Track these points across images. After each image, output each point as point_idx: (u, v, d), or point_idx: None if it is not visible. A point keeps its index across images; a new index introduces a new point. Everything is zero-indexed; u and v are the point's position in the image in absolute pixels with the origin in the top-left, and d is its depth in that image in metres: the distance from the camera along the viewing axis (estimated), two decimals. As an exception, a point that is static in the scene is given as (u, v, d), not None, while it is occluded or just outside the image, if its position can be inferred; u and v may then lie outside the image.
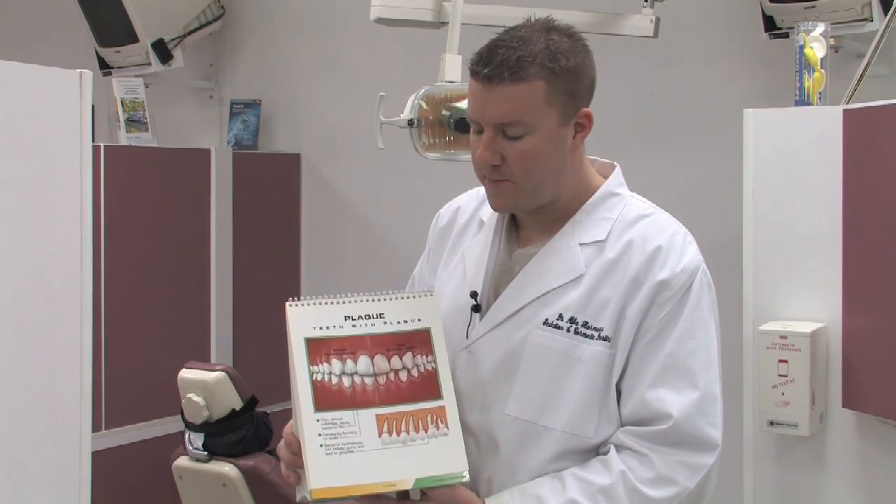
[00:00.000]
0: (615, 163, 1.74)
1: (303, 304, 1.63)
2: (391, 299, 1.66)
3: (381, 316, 1.64)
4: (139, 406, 3.66)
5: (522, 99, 1.55)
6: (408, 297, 1.67)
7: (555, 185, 1.63)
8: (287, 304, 1.63)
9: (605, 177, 1.71)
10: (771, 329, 2.27)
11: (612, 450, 1.58)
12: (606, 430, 1.60)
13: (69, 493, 2.39)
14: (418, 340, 1.63)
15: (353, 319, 1.63)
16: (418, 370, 1.62)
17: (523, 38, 1.58)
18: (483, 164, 1.60)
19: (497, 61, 1.55)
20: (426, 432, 1.58)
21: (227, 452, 3.06)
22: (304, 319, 1.61)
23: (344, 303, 1.64)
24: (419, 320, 1.65)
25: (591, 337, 1.59)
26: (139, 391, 3.65)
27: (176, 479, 3.16)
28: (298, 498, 1.58)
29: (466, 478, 1.57)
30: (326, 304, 1.64)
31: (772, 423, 2.26)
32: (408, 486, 1.53)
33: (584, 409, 1.59)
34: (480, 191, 1.76)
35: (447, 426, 1.59)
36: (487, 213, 1.73)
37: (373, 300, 1.65)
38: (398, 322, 1.64)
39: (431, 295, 1.69)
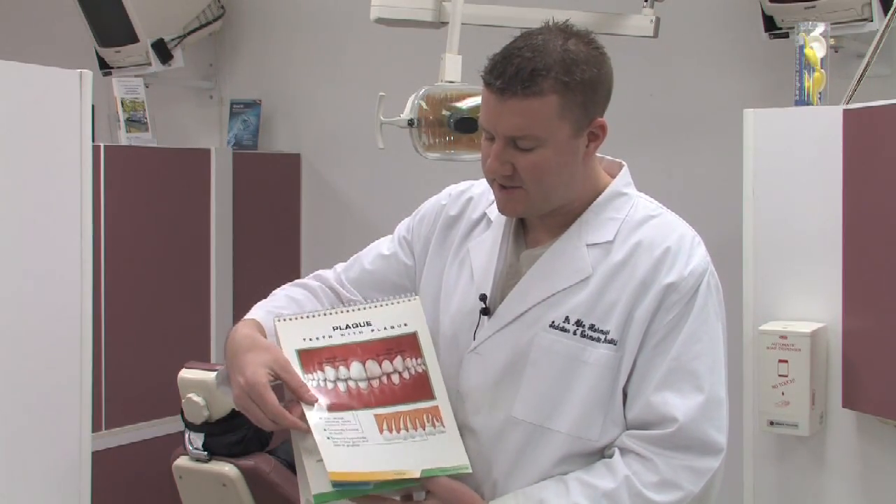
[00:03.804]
0: (622, 161, 1.73)
1: (291, 319, 1.66)
2: (376, 306, 1.68)
3: (367, 324, 1.66)
4: (139, 406, 3.66)
5: (534, 113, 1.53)
6: (392, 304, 1.69)
7: (566, 193, 1.62)
8: (275, 320, 1.65)
9: (613, 175, 1.70)
10: (771, 329, 2.27)
11: (617, 453, 1.58)
12: (612, 433, 1.59)
13: (69, 493, 2.39)
14: (406, 344, 1.66)
15: (340, 329, 1.65)
16: (409, 373, 1.64)
17: (538, 46, 1.54)
18: (493, 173, 1.60)
19: (510, 73, 1.53)
20: (423, 430, 1.59)
21: (227, 452, 3.06)
22: (293, 333, 1.64)
23: (331, 314, 1.67)
24: (405, 325, 1.67)
25: (598, 340, 1.58)
26: (139, 391, 3.65)
27: (176, 479, 3.16)
28: (303, 501, 1.59)
29: (470, 470, 1.58)
30: (314, 316, 1.67)
31: (772, 423, 2.26)
32: (415, 475, 1.53)
33: (590, 412, 1.58)
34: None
35: (443, 425, 1.60)
36: (496, 212, 1.71)
37: (358, 309, 1.68)
38: (385, 328, 1.66)
39: (415, 298, 1.70)
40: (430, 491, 1.56)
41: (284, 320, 1.65)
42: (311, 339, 1.63)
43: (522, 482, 1.60)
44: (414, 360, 1.65)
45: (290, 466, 3.04)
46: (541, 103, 1.53)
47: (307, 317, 1.67)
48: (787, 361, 2.23)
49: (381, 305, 1.69)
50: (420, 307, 1.70)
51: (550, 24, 1.61)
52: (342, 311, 1.68)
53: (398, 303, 1.69)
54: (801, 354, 2.21)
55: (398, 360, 1.64)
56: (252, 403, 1.56)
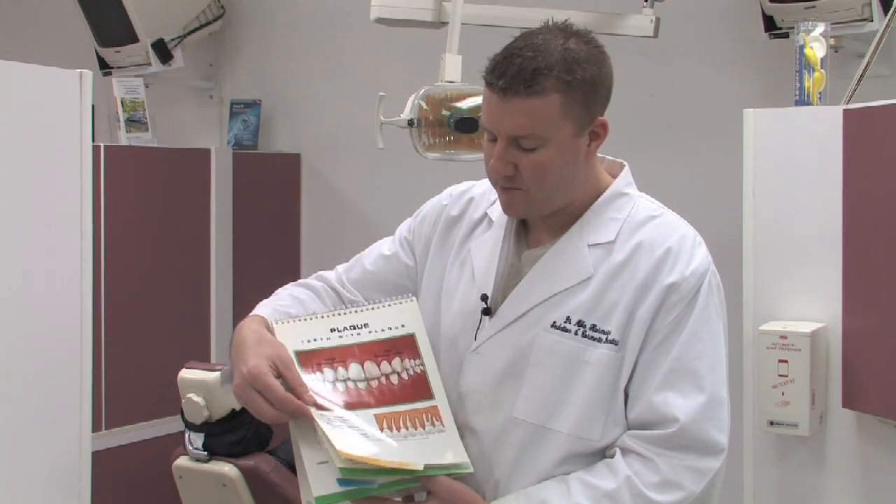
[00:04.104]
0: (624, 161, 1.73)
1: (289, 322, 1.67)
2: (374, 308, 1.69)
3: (365, 326, 1.67)
4: (139, 406, 3.66)
5: (537, 113, 1.53)
6: (389, 305, 1.70)
7: (567, 192, 1.62)
8: (273, 323, 1.66)
9: (614, 175, 1.70)
10: (771, 329, 2.27)
11: (618, 454, 1.58)
12: (613, 433, 1.59)
13: (69, 493, 2.39)
14: (404, 345, 1.66)
15: (338, 331, 1.66)
16: (407, 373, 1.64)
17: (539, 46, 1.55)
18: (496, 174, 1.60)
19: (512, 73, 1.53)
20: (423, 429, 1.59)
21: (227, 452, 3.05)
22: (291, 335, 1.64)
23: (328, 316, 1.68)
24: (402, 326, 1.68)
25: (599, 340, 1.59)
26: (139, 391, 3.65)
27: (176, 479, 3.16)
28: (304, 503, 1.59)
29: (471, 469, 1.58)
30: (312, 319, 1.67)
31: (772, 423, 2.26)
32: (418, 467, 1.53)
33: (591, 413, 1.58)
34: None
35: (442, 424, 1.61)
36: (497, 212, 1.72)
37: (356, 311, 1.69)
38: (382, 330, 1.67)
39: (412, 299, 1.71)
40: (432, 491, 1.56)
41: (282, 323, 1.66)
42: (309, 342, 1.63)
43: (524, 482, 1.60)
44: (412, 360, 1.65)
45: (290, 466, 3.04)
46: (543, 102, 1.53)
47: (305, 319, 1.67)
48: (787, 361, 2.23)
49: (379, 307, 1.69)
50: (417, 308, 1.70)
51: (550, 23, 1.61)
52: (340, 314, 1.68)
53: (395, 304, 1.69)
54: (801, 354, 2.21)
55: (396, 361, 1.64)
56: (254, 393, 1.55)
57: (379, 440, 1.55)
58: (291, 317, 1.68)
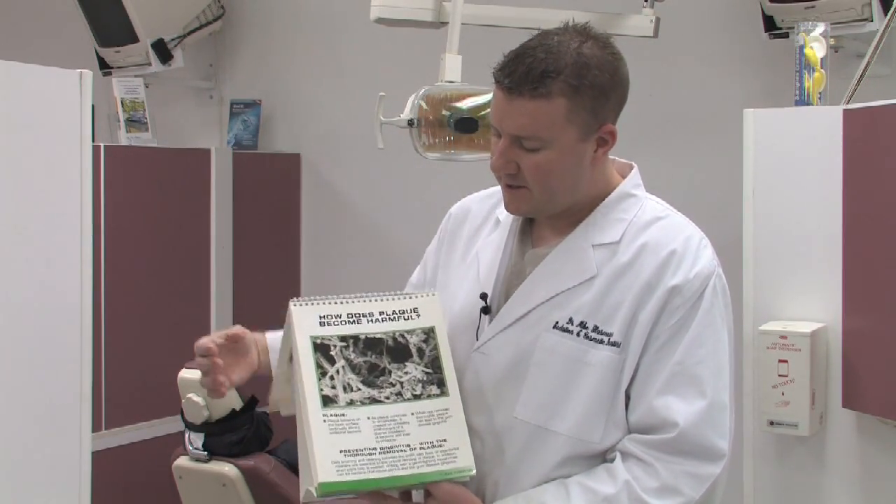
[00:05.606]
0: (633, 163, 1.73)
1: (306, 304, 1.63)
2: (395, 299, 1.67)
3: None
4: (139, 406, 3.66)
5: (541, 115, 1.53)
6: (412, 297, 1.67)
7: (571, 195, 1.62)
8: (291, 303, 1.63)
9: (623, 176, 1.69)
10: (771, 329, 2.27)
11: (618, 458, 1.58)
12: (613, 436, 1.59)
13: (69, 493, 2.38)
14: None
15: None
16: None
17: (552, 47, 1.54)
18: (497, 171, 1.60)
19: (521, 73, 1.52)
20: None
21: (227, 452, 3.05)
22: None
23: (348, 302, 1.65)
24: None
25: (601, 342, 1.58)
26: (139, 391, 3.65)
27: (176, 479, 3.16)
28: (302, 494, 1.58)
29: (473, 472, 1.57)
30: (331, 303, 1.65)
31: (772, 423, 2.26)
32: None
33: (592, 415, 1.58)
34: (497, 190, 1.74)
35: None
36: (504, 212, 1.72)
37: (377, 300, 1.66)
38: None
39: (434, 295, 1.69)
40: (431, 492, 1.55)
41: (300, 304, 1.63)
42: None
43: (523, 484, 1.60)
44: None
45: (290, 466, 3.04)
46: (548, 105, 1.53)
47: (324, 303, 1.64)
48: (787, 361, 2.23)
49: (401, 298, 1.67)
50: (439, 303, 1.68)
51: (570, 24, 1.60)
52: (360, 300, 1.66)
53: (418, 297, 1.68)
54: (801, 354, 2.21)
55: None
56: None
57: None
58: (311, 299, 1.65)
